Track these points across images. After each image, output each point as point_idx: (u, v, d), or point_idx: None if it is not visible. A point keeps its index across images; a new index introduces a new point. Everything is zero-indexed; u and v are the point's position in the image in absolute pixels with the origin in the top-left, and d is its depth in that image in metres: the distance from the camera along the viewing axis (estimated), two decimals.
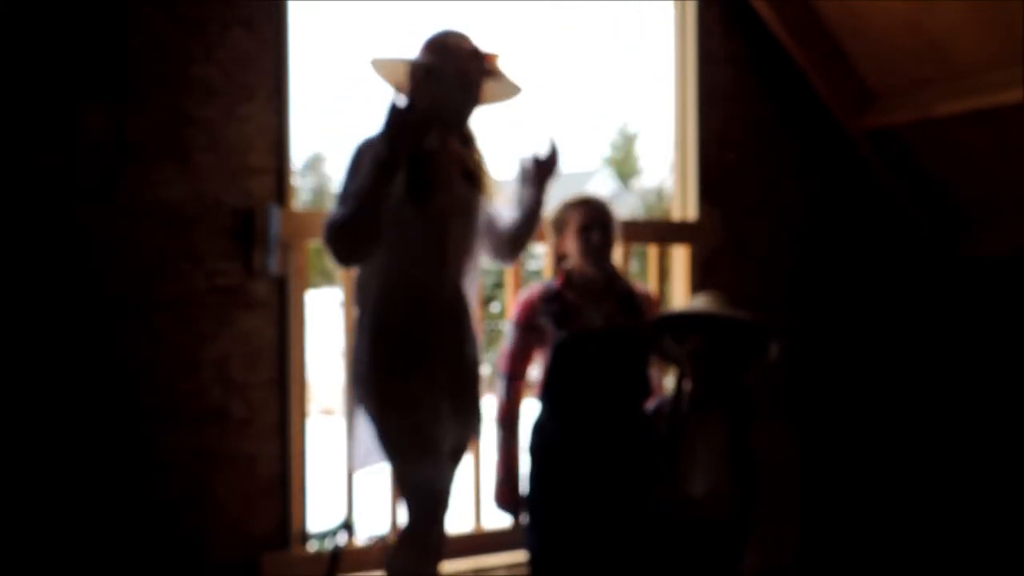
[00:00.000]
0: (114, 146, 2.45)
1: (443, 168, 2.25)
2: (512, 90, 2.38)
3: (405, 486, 2.22)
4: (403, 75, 2.31)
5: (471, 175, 2.32)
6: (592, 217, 2.43)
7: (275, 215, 2.59)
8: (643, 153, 32.13)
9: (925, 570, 3.18)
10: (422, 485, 2.21)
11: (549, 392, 2.40)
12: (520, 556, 2.88)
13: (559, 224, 2.50)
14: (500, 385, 2.50)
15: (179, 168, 2.52)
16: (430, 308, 2.23)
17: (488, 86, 2.32)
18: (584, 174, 27.77)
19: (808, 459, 2.78)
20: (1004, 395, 3.45)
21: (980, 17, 2.80)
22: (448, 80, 2.23)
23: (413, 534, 2.21)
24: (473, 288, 2.38)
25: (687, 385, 2.40)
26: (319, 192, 30.41)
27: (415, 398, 2.19)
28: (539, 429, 2.44)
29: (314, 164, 31.53)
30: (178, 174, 2.52)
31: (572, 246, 2.46)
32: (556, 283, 2.48)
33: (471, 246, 2.34)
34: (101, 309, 2.44)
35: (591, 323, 2.41)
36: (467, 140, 2.35)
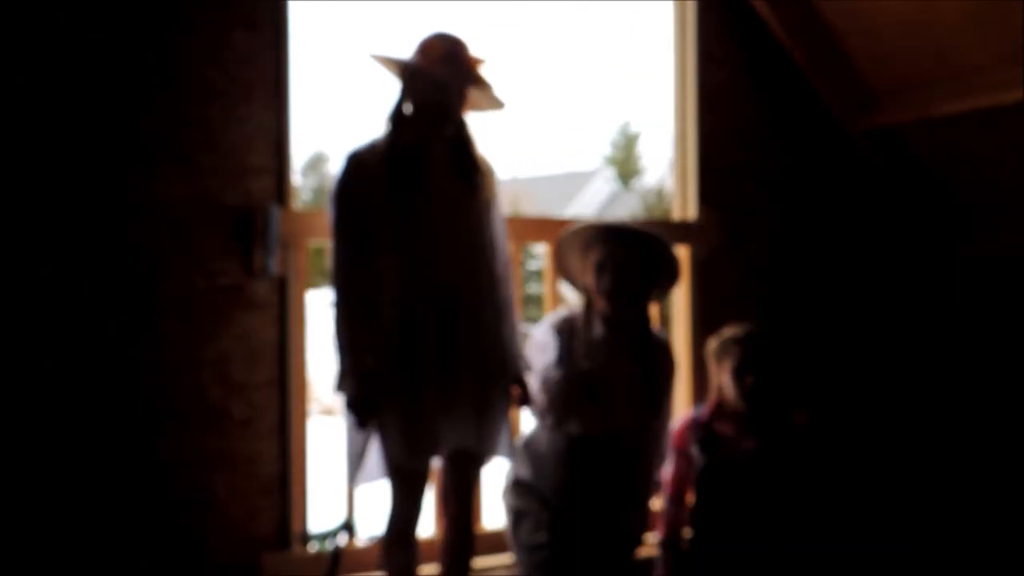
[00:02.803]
0: (114, 146, 2.46)
1: (425, 166, 2.29)
2: (493, 103, 2.40)
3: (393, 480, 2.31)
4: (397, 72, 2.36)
5: (467, 174, 2.33)
6: (747, 360, 2.63)
7: (275, 215, 2.59)
8: (644, 153, 32.14)
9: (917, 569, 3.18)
10: (402, 483, 2.29)
11: (698, 518, 2.66)
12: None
13: (717, 357, 2.71)
14: (666, 506, 2.75)
15: (179, 168, 2.53)
16: (422, 305, 2.25)
17: (472, 94, 2.35)
18: (584, 174, 27.75)
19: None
20: (1003, 395, 3.45)
21: (980, 17, 2.80)
22: (424, 81, 2.30)
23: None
24: (504, 289, 2.39)
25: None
26: (319, 192, 30.42)
27: (407, 392, 2.24)
28: (692, 556, 2.70)
29: (314, 164, 31.56)
30: (178, 174, 2.52)
31: (727, 382, 2.67)
32: (705, 412, 2.72)
33: (477, 244, 2.33)
34: (101, 309, 2.44)
35: (736, 450, 2.63)
36: (462, 141, 2.36)
